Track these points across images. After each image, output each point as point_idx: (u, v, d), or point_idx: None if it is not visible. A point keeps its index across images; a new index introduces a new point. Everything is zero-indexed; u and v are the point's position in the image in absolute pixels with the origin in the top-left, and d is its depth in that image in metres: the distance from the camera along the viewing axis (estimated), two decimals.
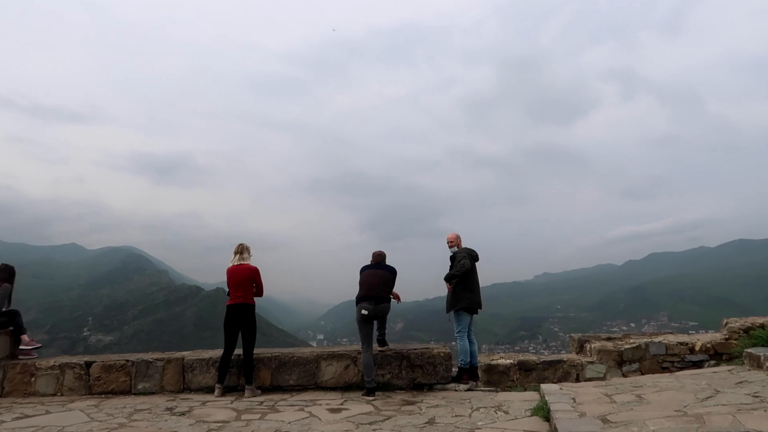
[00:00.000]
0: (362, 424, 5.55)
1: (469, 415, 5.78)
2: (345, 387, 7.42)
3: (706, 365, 8.43)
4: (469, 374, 7.54)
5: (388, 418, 5.77)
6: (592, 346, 9.87)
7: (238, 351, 7.38)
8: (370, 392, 6.86)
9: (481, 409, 6.02)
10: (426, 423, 5.51)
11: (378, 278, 7.24)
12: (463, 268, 7.48)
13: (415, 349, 7.55)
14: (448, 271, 7.95)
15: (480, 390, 7.46)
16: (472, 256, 7.80)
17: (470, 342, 7.65)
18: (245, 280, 7.32)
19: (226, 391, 7.30)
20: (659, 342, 9.42)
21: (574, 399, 5.83)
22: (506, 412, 5.85)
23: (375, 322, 7.30)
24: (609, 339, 10.56)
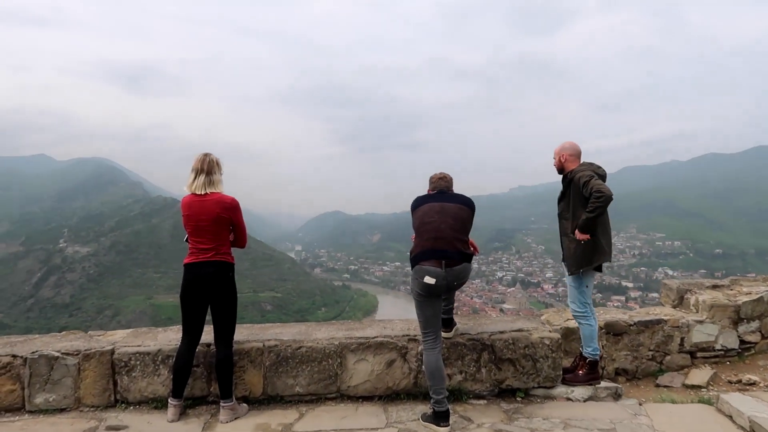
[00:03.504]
0: None
1: None
2: (388, 396, 4.49)
3: None
4: (588, 369, 4.66)
5: None
6: (700, 299, 7.08)
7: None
8: (441, 418, 3.91)
9: None
10: None
11: (449, 219, 4.08)
12: (603, 195, 4.36)
13: (502, 334, 4.58)
14: (558, 204, 4.88)
15: (609, 399, 4.62)
16: (601, 177, 4.68)
17: (591, 316, 4.72)
18: (215, 223, 4.15)
19: (188, 408, 4.34)
20: None
21: None
22: None
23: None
24: (715, 287, 7.80)
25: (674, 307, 7.49)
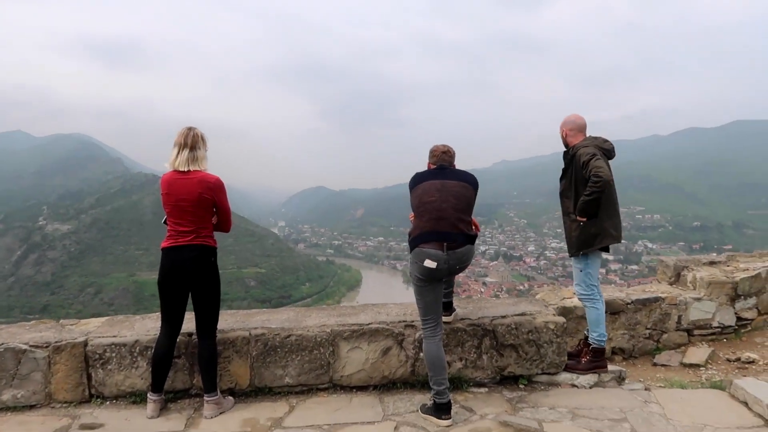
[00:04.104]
0: None
1: None
2: (383, 386, 4.22)
3: None
4: (592, 356, 4.42)
5: None
6: (697, 275, 6.95)
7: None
8: (442, 411, 3.66)
9: None
10: None
11: (452, 197, 3.75)
12: (601, 180, 4.09)
13: (504, 318, 4.31)
14: (560, 182, 4.58)
15: (613, 384, 4.41)
16: (606, 152, 4.39)
17: (598, 300, 4.46)
18: (197, 204, 3.79)
19: (169, 402, 4.04)
20: None
21: None
22: None
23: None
24: (711, 264, 7.67)
25: (671, 284, 7.35)
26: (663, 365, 6.25)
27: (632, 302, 6.50)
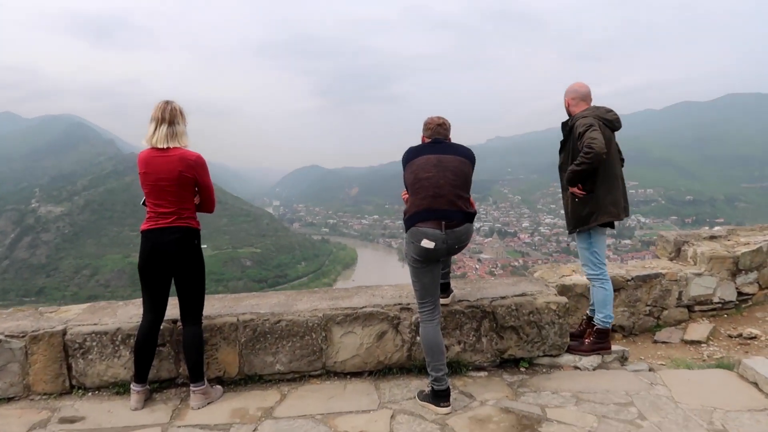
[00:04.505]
0: None
1: None
2: (379, 372, 4.04)
3: None
4: (596, 337, 4.25)
5: None
6: (698, 250, 6.81)
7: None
8: (441, 398, 3.48)
9: None
10: None
11: (449, 173, 3.52)
12: (592, 152, 3.86)
13: (503, 299, 4.12)
14: (559, 155, 4.36)
15: (617, 365, 4.25)
16: (608, 123, 4.15)
17: (606, 280, 4.27)
18: (177, 183, 3.56)
19: (154, 392, 3.85)
20: None
21: None
22: None
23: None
24: (712, 238, 7.54)
25: (671, 259, 7.21)
26: (664, 342, 6.14)
27: (632, 279, 6.36)
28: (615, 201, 4.10)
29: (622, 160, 4.44)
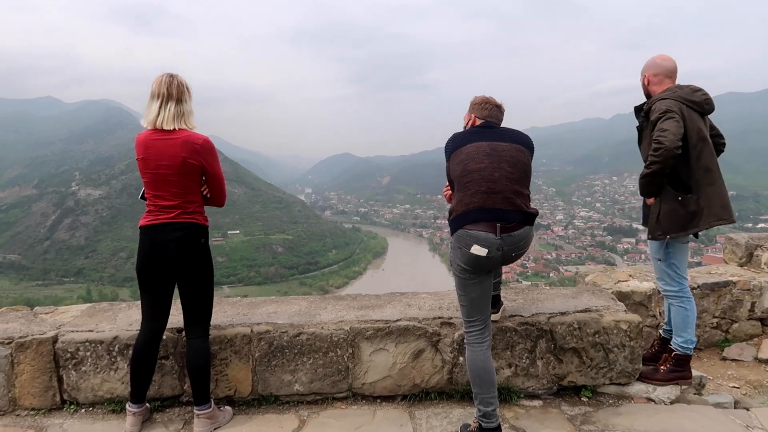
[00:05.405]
0: None
1: None
2: (414, 396, 3.45)
3: None
4: (675, 364, 3.56)
5: None
6: None
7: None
8: None
9: None
10: None
11: (505, 164, 2.87)
12: (662, 147, 3.15)
13: (563, 315, 3.47)
14: (638, 147, 3.64)
15: (691, 393, 3.58)
16: (695, 105, 3.40)
17: (688, 298, 3.56)
18: (181, 171, 3.01)
19: (155, 411, 3.34)
20: None
21: None
22: None
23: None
24: None
25: (741, 265, 6.41)
26: (734, 360, 5.43)
27: (698, 287, 5.63)
28: (712, 201, 3.35)
29: (723, 144, 3.69)
